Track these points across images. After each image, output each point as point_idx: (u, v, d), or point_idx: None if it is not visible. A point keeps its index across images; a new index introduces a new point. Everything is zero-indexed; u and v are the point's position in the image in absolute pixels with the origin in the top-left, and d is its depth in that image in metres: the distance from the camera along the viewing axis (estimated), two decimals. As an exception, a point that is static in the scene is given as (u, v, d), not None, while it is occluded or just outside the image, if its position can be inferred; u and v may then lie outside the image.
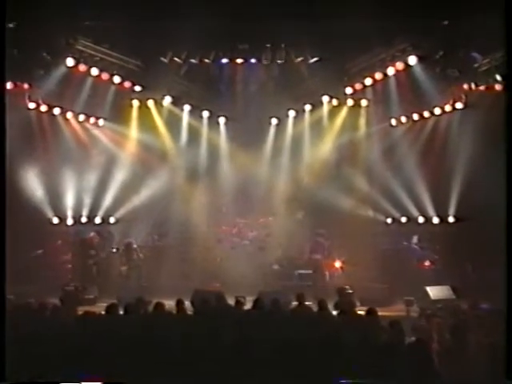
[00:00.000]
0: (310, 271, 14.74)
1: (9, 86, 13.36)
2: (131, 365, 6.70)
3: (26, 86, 13.79)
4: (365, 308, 8.92)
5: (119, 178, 15.60)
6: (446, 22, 12.51)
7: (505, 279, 6.97)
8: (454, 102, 14.16)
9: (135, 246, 15.06)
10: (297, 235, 15.44)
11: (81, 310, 9.65)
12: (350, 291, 11.88)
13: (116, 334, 7.58)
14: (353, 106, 15.77)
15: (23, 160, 14.21)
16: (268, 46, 13.95)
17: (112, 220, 15.95)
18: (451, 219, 14.58)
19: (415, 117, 15.15)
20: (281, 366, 6.36)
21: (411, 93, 14.26)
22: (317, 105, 15.88)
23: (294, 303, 10.05)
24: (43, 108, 14.47)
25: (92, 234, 15.27)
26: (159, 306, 9.07)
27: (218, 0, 11.42)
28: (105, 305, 9.33)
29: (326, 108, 15.84)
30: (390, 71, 13.84)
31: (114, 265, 15.04)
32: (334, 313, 9.09)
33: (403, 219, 15.43)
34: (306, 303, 9.73)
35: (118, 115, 15.76)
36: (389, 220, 15.65)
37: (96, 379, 6.00)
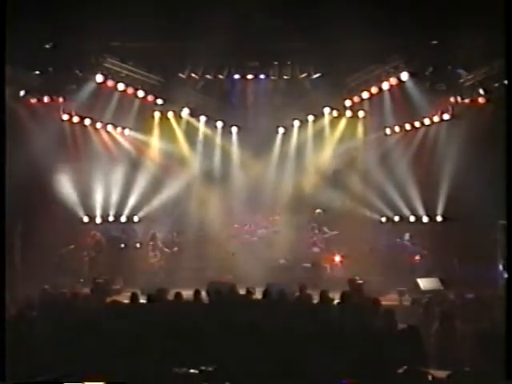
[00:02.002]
0: (313, 265, 14.78)
1: (46, 99, 13.59)
2: (152, 346, 6.77)
3: (60, 99, 13.86)
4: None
5: (142, 181, 15.65)
6: (434, 42, 12.53)
7: (505, 278, 6.93)
8: (442, 113, 14.14)
9: (160, 244, 15.20)
10: (301, 233, 15.47)
11: (109, 299, 9.78)
12: (361, 281, 11.89)
13: (139, 320, 7.68)
14: (351, 117, 15.78)
15: (58, 166, 14.30)
16: (275, 63, 13.96)
17: (136, 219, 16.01)
18: (439, 218, 14.54)
19: (407, 127, 15.14)
20: (285, 348, 6.42)
21: (404, 105, 14.23)
22: (319, 116, 15.89)
23: (298, 294, 10.09)
24: (75, 119, 14.57)
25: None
26: (178, 295, 9.17)
27: (231, 23, 11.48)
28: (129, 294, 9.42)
29: (327, 118, 15.86)
30: (385, 86, 13.85)
31: (137, 259, 15.12)
32: (334, 302, 9.13)
33: (396, 218, 15.38)
34: (309, 293, 9.78)
35: (142, 125, 15.85)
36: (383, 219, 15.60)
37: (96, 379, 5.83)
